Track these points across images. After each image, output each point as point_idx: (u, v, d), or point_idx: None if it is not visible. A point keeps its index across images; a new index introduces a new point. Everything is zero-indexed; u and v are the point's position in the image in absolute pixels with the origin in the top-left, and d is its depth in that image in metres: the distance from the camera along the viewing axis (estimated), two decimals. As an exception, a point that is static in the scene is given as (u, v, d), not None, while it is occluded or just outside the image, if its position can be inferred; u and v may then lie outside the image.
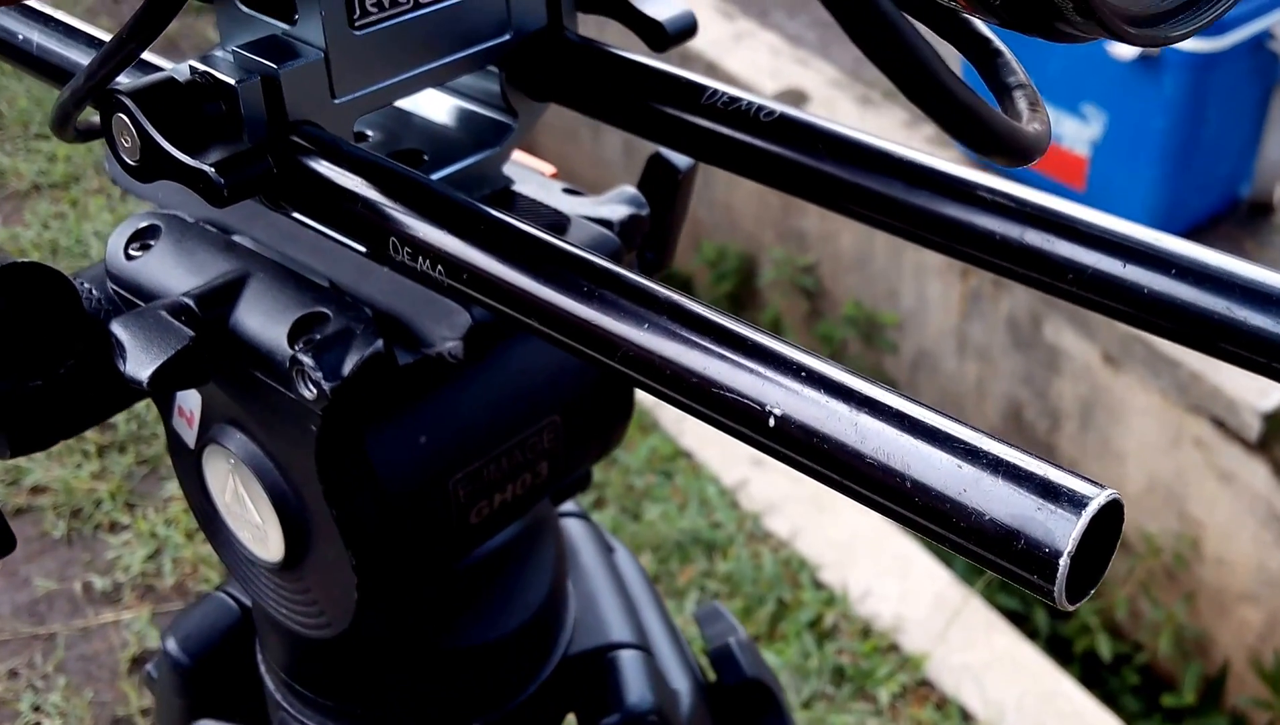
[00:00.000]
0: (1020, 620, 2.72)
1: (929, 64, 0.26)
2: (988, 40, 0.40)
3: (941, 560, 2.29)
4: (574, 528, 0.79)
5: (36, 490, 2.31)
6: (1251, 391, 2.58)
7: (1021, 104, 0.35)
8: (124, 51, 0.46)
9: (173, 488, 2.34)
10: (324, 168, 0.50)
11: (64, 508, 2.28)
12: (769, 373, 0.38)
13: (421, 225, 0.46)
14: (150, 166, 0.48)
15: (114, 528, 2.28)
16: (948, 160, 0.52)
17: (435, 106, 0.62)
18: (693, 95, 0.55)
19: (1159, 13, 0.34)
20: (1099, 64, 2.76)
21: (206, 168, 0.47)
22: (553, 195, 0.63)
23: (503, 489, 0.62)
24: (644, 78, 0.57)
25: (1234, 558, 2.75)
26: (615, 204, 0.63)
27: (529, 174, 0.65)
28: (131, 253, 0.59)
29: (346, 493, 0.56)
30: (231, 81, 0.49)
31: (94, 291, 0.60)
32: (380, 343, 0.53)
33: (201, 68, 0.50)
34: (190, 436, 0.61)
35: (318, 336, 0.53)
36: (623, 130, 0.58)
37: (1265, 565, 2.67)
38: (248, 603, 0.82)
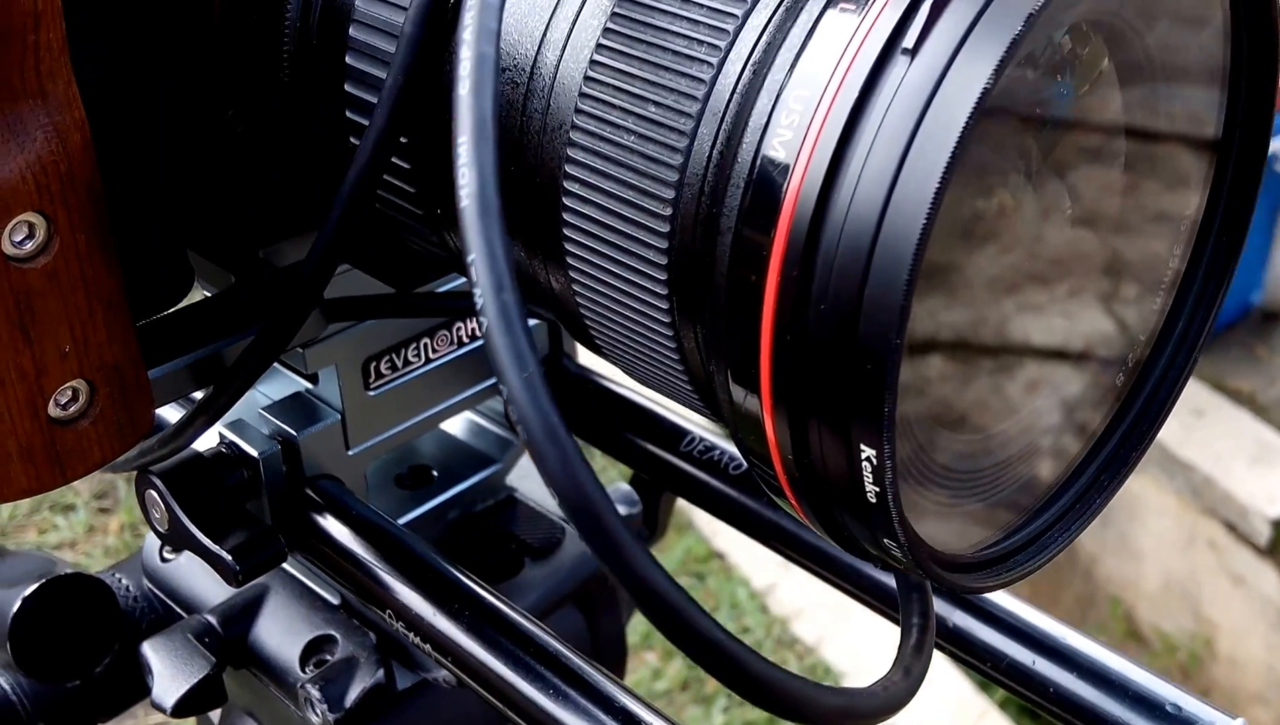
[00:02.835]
0: (1035, 715, 2.75)
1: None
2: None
3: (961, 669, 2.33)
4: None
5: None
6: (1261, 498, 2.61)
7: (908, 646, 0.41)
8: (164, 450, 0.52)
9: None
10: (333, 528, 0.56)
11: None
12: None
13: (416, 605, 0.52)
14: (176, 539, 0.54)
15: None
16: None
17: (445, 417, 0.68)
18: (674, 439, 0.61)
19: (973, 563, 0.39)
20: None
21: (225, 554, 0.53)
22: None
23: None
24: (632, 414, 0.63)
25: (1246, 658, 2.77)
26: (607, 506, 0.69)
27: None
28: (165, 555, 0.65)
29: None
30: (254, 454, 0.56)
31: (130, 588, 0.66)
32: (381, 673, 0.58)
33: (229, 437, 0.56)
34: (214, 716, 0.67)
35: (327, 659, 0.59)
36: (611, 457, 0.64)
37: (1275, 668, 2.70)
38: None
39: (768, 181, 0.31)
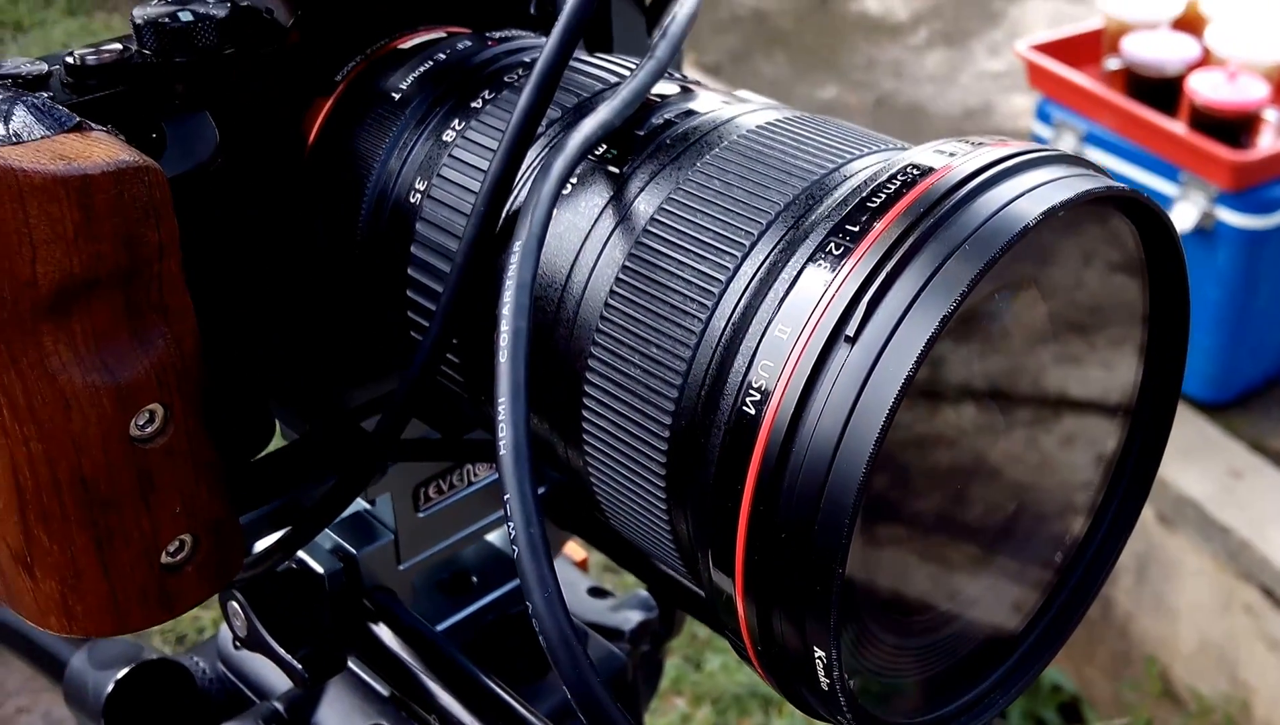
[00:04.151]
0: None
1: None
2: None
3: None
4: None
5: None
6: (1299, 565, 2.64)
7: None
8: (247, 574, 0.60)
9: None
10: (385, 635, 0.64)
11: (169, 634, 2.45)
12: None
13: (455, 710, 0.61)
14: (254, 644, 0.63)
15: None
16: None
17: (486, 526, 0.77)
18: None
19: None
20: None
21: (296, 664, 0.61)
22: (576, 598, 0.77)
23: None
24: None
25: (1281, 724, 2.80)
26: (629, 610, 0.77)
27: (561, 569, 0.79)
28: (238, 644, 0.74)
29: None
30: (321, 572, 0.64)
31: (206, 670, 0.75)
32: (425, 763, 0.67)
33: (300, 554, 0.65)
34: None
35: (378, 746, 0.68)
36: (632, 574, 0.72)
37: (1310, 736, 2.73)
38: None
39: (741, 432, 0.39)
